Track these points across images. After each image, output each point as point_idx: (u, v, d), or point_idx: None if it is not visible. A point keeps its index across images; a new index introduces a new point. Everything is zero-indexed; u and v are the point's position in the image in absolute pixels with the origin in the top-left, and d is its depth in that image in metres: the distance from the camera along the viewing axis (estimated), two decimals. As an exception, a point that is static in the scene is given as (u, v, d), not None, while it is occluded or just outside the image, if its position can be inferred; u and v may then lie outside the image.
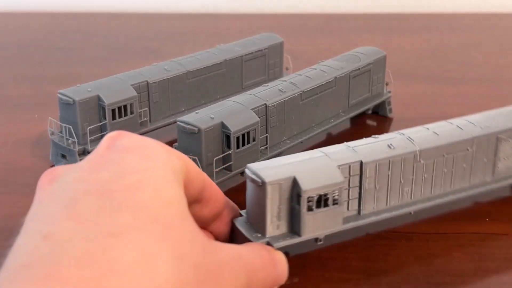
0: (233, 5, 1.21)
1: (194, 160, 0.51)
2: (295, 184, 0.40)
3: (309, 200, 0.40)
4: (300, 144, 0.60)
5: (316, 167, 0.41)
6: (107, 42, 1.01)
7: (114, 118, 0.58)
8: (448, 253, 0.46)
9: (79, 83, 0.59)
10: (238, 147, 0.53)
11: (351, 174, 0.43)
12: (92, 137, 0.57)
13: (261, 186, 0.40)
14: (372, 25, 1.13)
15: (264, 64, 0.73)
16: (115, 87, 0.59)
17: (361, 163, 0.43)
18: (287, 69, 0.77)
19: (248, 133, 0.54)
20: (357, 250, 0.46)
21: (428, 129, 0.47)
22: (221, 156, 0.53)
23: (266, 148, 0.57)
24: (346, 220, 0.43)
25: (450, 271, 0.44)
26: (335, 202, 0.41)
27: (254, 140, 0.55)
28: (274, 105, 0.57)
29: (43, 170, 0.34)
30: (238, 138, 0.53)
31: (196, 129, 0.51)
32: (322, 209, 0.40)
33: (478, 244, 0.46)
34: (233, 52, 0.70)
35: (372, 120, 0.71)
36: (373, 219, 0.44)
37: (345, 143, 0.45)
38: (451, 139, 0.46)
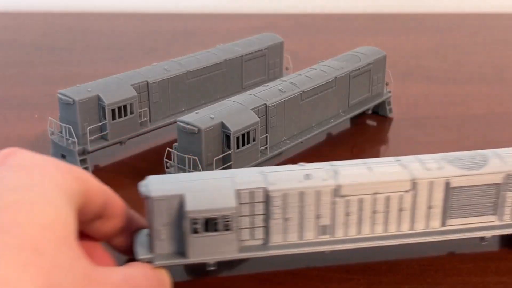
0: (233, 5, 1.21)
1: (194, 160, 0.51)
2: (183, 203, 0.38)
3: (194, 222, 0.38)
4: (300, 144, 0.60)
5: (211, 188, 0.38)
6: (107, 42, 1.01)
7: (114, 118, 0.58)
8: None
9: (79, 83, 0.59)
10: (238, 147, 0.53)
11: (254, 200, 0.40)
12: (92, 137, 0.57)
13: (147, 200, 0.38)
14: (372, 25, 1.13)
15: (264, 64, 0.73)
16: (115, 87, 0.59)
17: (266, 190, 0.40)
18: (287, 69, 0.77)
19: (248, 133, 0.54)
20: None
21: (365, 163, 0.42)
22: (221, 156, 0.53)
23: (266, 148, 0.57)
24: (247, 248, 0.40)
25: (450, 271, 0.44)
26: (226, 228, 0.38)
27: (254, 140, 0.55)
28: (274, 105, 0.57)
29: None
30: (238, 138, 0.53)
31: (196, 129, 0.51)
32: (211, 234, 0.38)
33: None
34: (233, 52, 0.70)
35: (372, 120, 0.71)
36: (279, 251, 0.41)
37: (264, 167, 0.42)
38: (384, 177, 0.41)
